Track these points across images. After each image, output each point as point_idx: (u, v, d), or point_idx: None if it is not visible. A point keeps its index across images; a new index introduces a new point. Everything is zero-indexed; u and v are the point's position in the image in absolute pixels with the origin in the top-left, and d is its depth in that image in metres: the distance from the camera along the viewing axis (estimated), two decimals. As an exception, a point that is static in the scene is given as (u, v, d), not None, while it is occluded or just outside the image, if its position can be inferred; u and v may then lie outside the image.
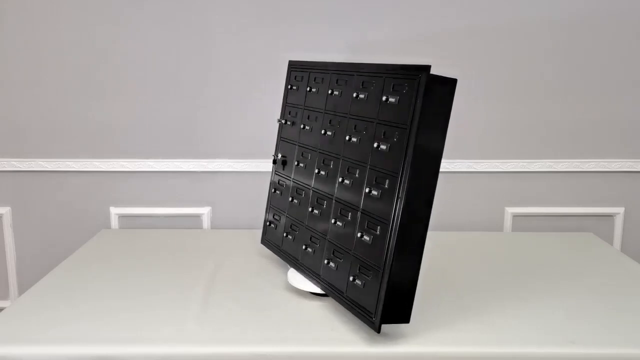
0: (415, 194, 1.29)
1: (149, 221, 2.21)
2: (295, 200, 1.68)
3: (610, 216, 2.21)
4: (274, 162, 1.81)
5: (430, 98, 1.26)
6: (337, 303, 1.52)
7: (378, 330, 1.31)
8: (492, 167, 2.17)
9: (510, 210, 2.20)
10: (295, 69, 1.77)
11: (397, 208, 1.29)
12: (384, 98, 1.35)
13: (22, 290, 2.22)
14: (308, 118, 1.67)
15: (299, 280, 1.58)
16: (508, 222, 2.21)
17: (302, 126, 1.68)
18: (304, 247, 1.59)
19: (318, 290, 1.54)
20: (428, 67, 1.25)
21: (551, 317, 1.47)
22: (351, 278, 1.39)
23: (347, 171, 1.46)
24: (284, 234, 1.71)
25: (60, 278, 1.68)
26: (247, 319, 1.45)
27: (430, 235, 2.07)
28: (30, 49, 2.08)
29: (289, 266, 1.75)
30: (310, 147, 1.64)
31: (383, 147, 1.34)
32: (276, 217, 1.78)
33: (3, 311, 1.47)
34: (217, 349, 1.32)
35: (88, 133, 2.14)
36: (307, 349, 1.33)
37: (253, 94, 2.12)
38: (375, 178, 1.36)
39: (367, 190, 1.37)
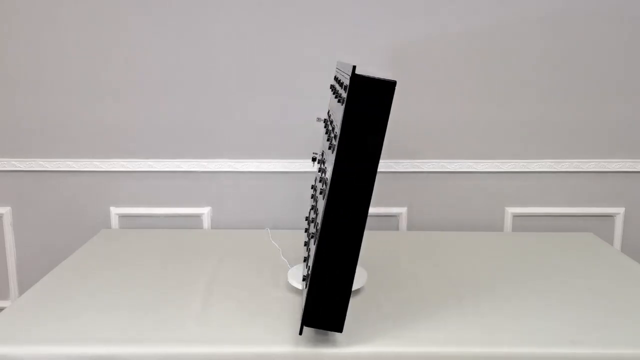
0: (344, 200, 1.23)
1: (149, 221, 2.21)
2: (312, 200, 1.70)
3: (610, 216, 2.21)
4: (313, 160, 1.83)
5: (358, 100, 1.18)
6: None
7: (299, 332, 1.31)
8: (492, 167, 2.17)
9: (510, 210, 2.20)
10: (338, 69, 1.79)
11: (324, 214, 1.25)
12: (339, 100, 1.33)
13: (22, 290, 2.22)
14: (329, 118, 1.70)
15: (299, 280, 1.58)
16: (508, 222, 2.21)
17: (323, 126, 1.71)
18: (304, 244, 1.61)
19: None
20: (352, 67, 1.18)
21: (551, 317, 1.47)
22: (302, 279, 1.38)
23: (324, 173, 1.47)
24: (304, 231, 1.74)
25: (61, 278, 1.68)
26: (247, 319, 1.45)
27: (431, 235, 2.09)
28: (31, 49, 2.08)
29: (289, 266, 1.75)
30: (324, 148, 1.67)
31: (335, 150, 1.30)
32: (308, 214, 1.82)
33: (3, 311, 1.47)
34: (217, 349, 1.33)
35: (88, 133, 2.14)
36: (307, 348, 1.33)
37: (253, 94, 2.12)
38: (328, 182, 1.34)
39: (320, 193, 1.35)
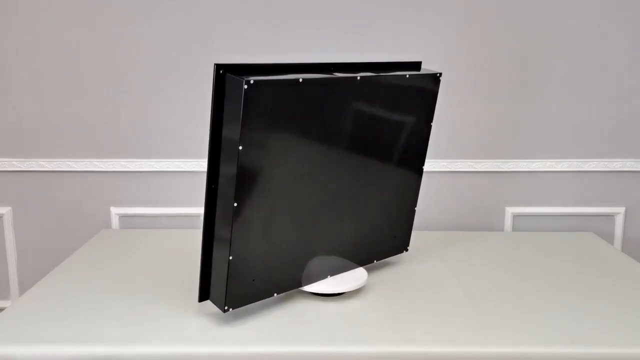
0: (216, 187, 1.37)
1: (149, 221, 2.21)
2: None
3: (610, 216, 2.21)
4: None
5: (220, 94, 1.33)
6: (337, 303, 1.54)
7: (199, 300, 1.44)
8: (492, 167, 2.17)
9: (511, 210, 2.20)
10: None
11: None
12: None
13: (22, 290, 2.22)
14: None
15: (299, 280, 1.59)
16: (508, 222, 2.21)
17: None
18: None
19: (318, 290, 1.54)
20: (214, 65, 1.29)
21: (551, 317, 1.47)
22: None
23: None
24: None
25: (61, 278, 1.68)
26: (247, 319, 1.45)
27: (431, 235, 2.09)
28: (31, 48, 2.08)
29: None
30: None
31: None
32: None
33: (3, 311, 1.47)
34: (217, 349, 1.33)
35: (88, 133, 2.14)
36: (306, 348, 1.33)
37: (253, 94, 2.12)
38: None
39: None
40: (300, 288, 1.55)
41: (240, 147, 1.29)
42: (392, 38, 2.07)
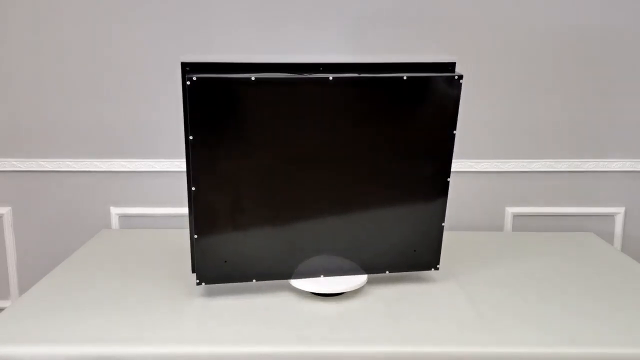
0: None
1: (149, 221, 2.21)
2: None
3: (610, 216, 2.21)
4: None
5: (190, 94, 1.39)
6: (337, 303, 1.54)
7: (191, 270, 1.58)
8: (492, 167, 2.17)
9: (511, 210, 2.20)
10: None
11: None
12: None
13: (22, 290, 2.22)
14: None
15: (299, 280, 1.58)
16: (508, 222, 2.21)
17: None
18: None
19: (319, 290, 1.54)
20: (181, 63, 1.42)
21: (551, 317, 1.47)
22: None
23: None
24: None
25: (61, 278, 1.68)
26: (247, 319, 1.45)
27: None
28: (31, 49, 2.08)
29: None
30: None
31: None
32: None
33: (3, 311, 1.47)
34: (217, 349, 1.33)
35: (88, 133, 2.14)
36: (306, 348, 1.33)
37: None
38: None
39: None
40: (290, 282, 1.57)
41: (191, 137, 1.41)
42: (394, 36, 2.07)
